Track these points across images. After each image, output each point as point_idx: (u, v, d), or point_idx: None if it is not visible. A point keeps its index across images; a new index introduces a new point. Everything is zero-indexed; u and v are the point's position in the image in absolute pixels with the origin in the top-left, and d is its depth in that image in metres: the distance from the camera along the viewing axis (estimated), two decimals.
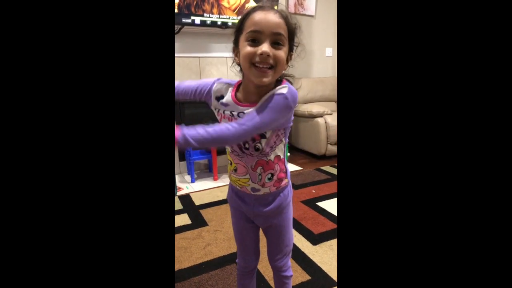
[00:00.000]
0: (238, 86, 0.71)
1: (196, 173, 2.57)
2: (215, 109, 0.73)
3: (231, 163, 0.77)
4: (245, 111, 0.67)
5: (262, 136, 0.69)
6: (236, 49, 0.68)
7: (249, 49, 0.61)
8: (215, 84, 0.72)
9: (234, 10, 2.43)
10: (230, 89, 0.71)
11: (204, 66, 2.51)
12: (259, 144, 0.70)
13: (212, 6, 2.32)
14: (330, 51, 3.55)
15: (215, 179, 2.41)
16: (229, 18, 2.39)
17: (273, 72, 0.62)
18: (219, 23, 2.36)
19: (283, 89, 0.64)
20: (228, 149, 0.75)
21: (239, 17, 0.66)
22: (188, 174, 2.47)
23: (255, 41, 0.61)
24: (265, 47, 0.59)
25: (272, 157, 0.73)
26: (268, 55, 0.59)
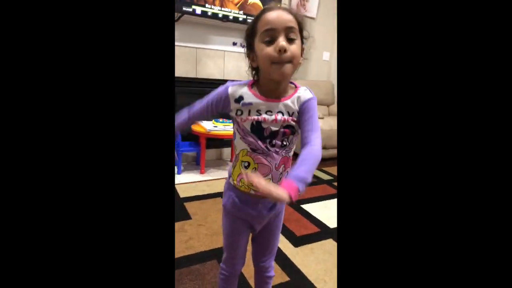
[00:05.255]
0: (251, 86, 0.71)
1: (183, 165, 2.54)
2: (236, 113, 0.70)
3: (247, 166, 0.72)
4: (273, 109, 0.68)
5: (293, 132, 0.70)
6: (251, 54, 0.70)
7: (268, 49, 0.64)
8: (229, 88, 0.70)
9: (236, 4, 2.40)
10: (246, 88, 0.70)
11: (201, 57, 2.48)
12: (286, 140, 0.70)
13: None
14: (328, 56, 3.56)
15: (201, 173, 2.39)
16: (231, 12, 2.36)
17: (291, 65, 0.65)
18: (220, 15, 2.33)
19: (306, 93, 0.70)
20: (247, 149, 0.71)
21: (248, 19, 0.70)
22: (175, 165, 2.44)
23: (271, 41, 0.64)
24: (281, 41, 0.63)
25: (291, 153, 0.74)
26: (285, 50, 0.62)
